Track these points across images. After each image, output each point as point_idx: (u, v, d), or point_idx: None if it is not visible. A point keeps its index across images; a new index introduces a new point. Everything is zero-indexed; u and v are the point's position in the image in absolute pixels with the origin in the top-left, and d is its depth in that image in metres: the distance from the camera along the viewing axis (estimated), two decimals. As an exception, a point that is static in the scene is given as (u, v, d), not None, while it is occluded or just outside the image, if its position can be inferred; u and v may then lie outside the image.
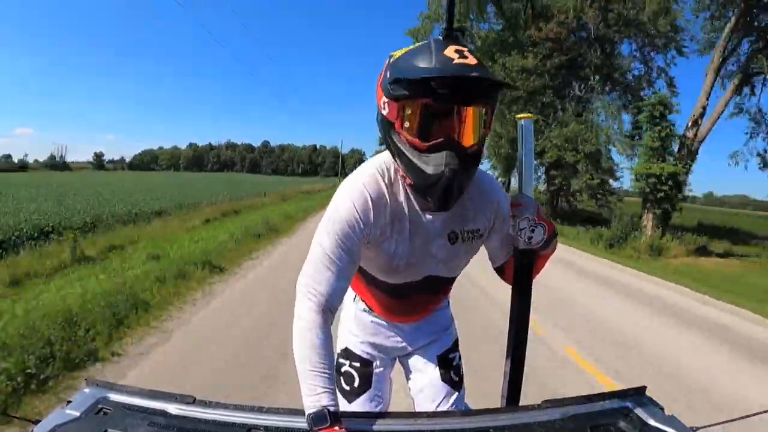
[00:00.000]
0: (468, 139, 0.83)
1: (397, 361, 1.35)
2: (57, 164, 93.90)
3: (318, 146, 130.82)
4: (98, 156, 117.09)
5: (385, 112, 0.87)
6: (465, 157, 0.84)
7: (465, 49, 0.81)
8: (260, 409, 0.80)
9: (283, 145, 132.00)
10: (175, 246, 7.30)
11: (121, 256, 6.88)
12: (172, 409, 0.80)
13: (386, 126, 0.89)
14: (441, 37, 0.85)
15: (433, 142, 0.82)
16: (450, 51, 0.80)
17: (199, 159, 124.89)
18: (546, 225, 0.97)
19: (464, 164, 0.83)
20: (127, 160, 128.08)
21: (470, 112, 0.82)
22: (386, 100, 0.86)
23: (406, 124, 0.84)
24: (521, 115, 1.03)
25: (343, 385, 1.23)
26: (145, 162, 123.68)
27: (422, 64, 0.80)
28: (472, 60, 0.79)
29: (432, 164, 0.83)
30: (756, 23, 11.43)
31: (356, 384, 1.23)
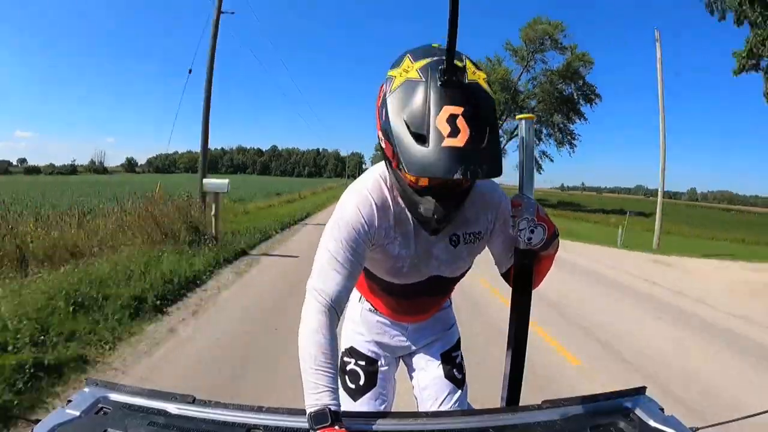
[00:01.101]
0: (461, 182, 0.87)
1: (401, 361, 1.36)
2: (98, 168, 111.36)
3: (320, 150, 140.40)
4: (129, 160, 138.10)
5: (383, 145, 0.87)
6: (455, 195, 0.88)
7: (460, 111, 0.75)
8: (260, 409, 0.80)
9: (289, 149, 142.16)
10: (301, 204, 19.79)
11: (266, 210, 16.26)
12: (172, 408, 0.80)
13: (386, 157, 0.91)
14: (439, 81, 0.77)
15: (424, 186, 0.86)
16: (443, 120, 0.75)
17: (213, 162, 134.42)
18: (546, 225, 0.97)
19: (454, 202, 0.89)
20: (139, 162, 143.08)
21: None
22: (382, 137, 0.85)
23: (402, 166, 0.80)
24: (521, 116, 1.03)
25: (348, 383, 1.24)
26: (166, 165, 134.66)
27: (413, 126, 0.76)
28: (464, 135, 0.74)
29: (423, 205, 0.87)
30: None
31: (361, 382, 1.25)
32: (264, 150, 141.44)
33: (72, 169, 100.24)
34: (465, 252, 1.07)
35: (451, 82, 0.77)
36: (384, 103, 0.83)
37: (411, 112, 0.77)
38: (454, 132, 0.74)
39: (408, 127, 0.77)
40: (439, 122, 0.75)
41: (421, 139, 0.76)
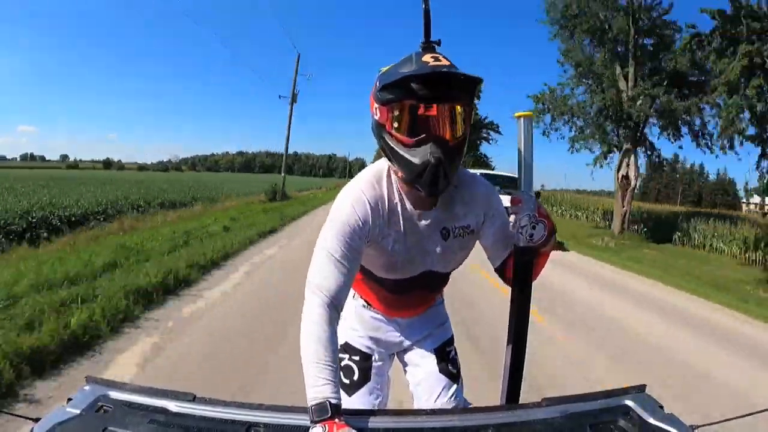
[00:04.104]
0: (449, 134, 0.92)
1: (396, 358, 1.38)
2: (177, 166, 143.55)
3: (331, 155, 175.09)
4: (192, 159, 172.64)
5: (377, 117, 0.97)
6: (447, 149, 0.92)
7: (440, 55, 0.92)
8: (260, 407, 0.80)
9: (307, 154, 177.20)
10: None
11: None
12: (173, 406, 0.80)
13: (379, 129, 0.97)
14: (420, 50, 0.97)
15: (419, 137, 0.92)
16: (427, 57, 0.92)
17: (248, 164, 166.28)
18: (546, 222, 0.97)
19: (447, 154, 0.92)
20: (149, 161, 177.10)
21: (449, 110, 0.92)
22: (377, 106, 0.96)
23: (395, 125, 0.93)
24: (520, 113, 1.03)
25: (343, 378, 1.26)
26: (212, 163, 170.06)
27: (404, 70, 0.91)
28: (445, 62, 0.91)
29: (419, 156, 0.92)
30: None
31: (356, 377, 1.27)
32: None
33: (164, 168, 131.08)
34: (456, 246, 1.10)
35: (431, 46, 0.97)
36: (378, 79, 0.96)
37: (402, 67, 0.93)
38: (437, 60, 0.91)
39: (401, 72, 0.91)
40: (424, 59, 0.91)
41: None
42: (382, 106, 0.94)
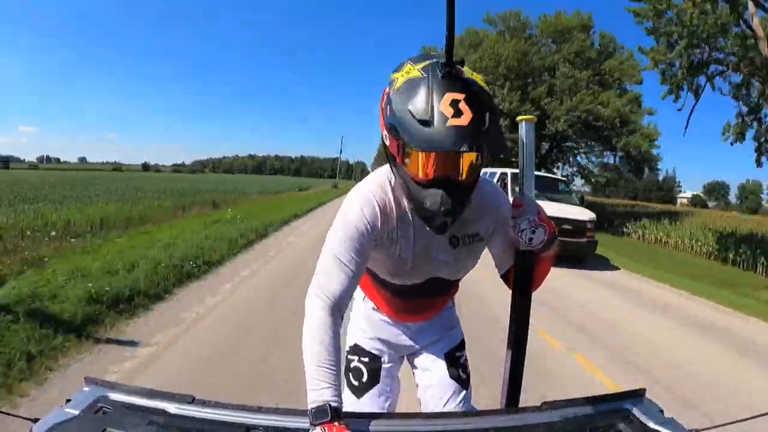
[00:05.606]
0: (464, 175, 0.86)
1: (406, 360, 1.37)
2: (200, 168, 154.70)
3: (334, 158, 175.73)
4: (212, 163, 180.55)
5: (387, 144, 0.90)
6: (460, 189, 0.87)
7: (462, 96, 0.79)
8: (259, 409, 0.80)
9: (313, 158, 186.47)
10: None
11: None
12: (172, 408, 0.80)
13: (390, 158, 0.93)
14: (440, 74, 0.82)
15: (430, 179, 0.86)
16: (446, 103, 0.78)
17: (258, 166, 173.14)
18: (547, 226, 0.97)
19: (460, 197, 0.87)
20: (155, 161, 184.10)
21: (465, 156, 0.85)
22: (387, 134, 0.89)
23: (406, 161, 0.87)
24: (522, 117, 1.03)
25: (352, 380, 1.26)
26: (227, 166, 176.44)
27: (417, 114, 0.79)
28: (467, 116, 0.78)
29: (429, 200, 0.86)
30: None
31: (365, 379, 1.26)
32: (294, 157, 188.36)
33: (193, 170, 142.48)
34: (465, 253, 1.08)
35: (451, 75, 0.82)
36: (388, 101, 0.86)
37: (415, 103, 0.81)
38: (458, 113, 0.78)
39: (413, 116, 0.80)
40: (442, 106, 0.79)
41: (426, 123, 0.79)
42: (393, 139, 0.87)
